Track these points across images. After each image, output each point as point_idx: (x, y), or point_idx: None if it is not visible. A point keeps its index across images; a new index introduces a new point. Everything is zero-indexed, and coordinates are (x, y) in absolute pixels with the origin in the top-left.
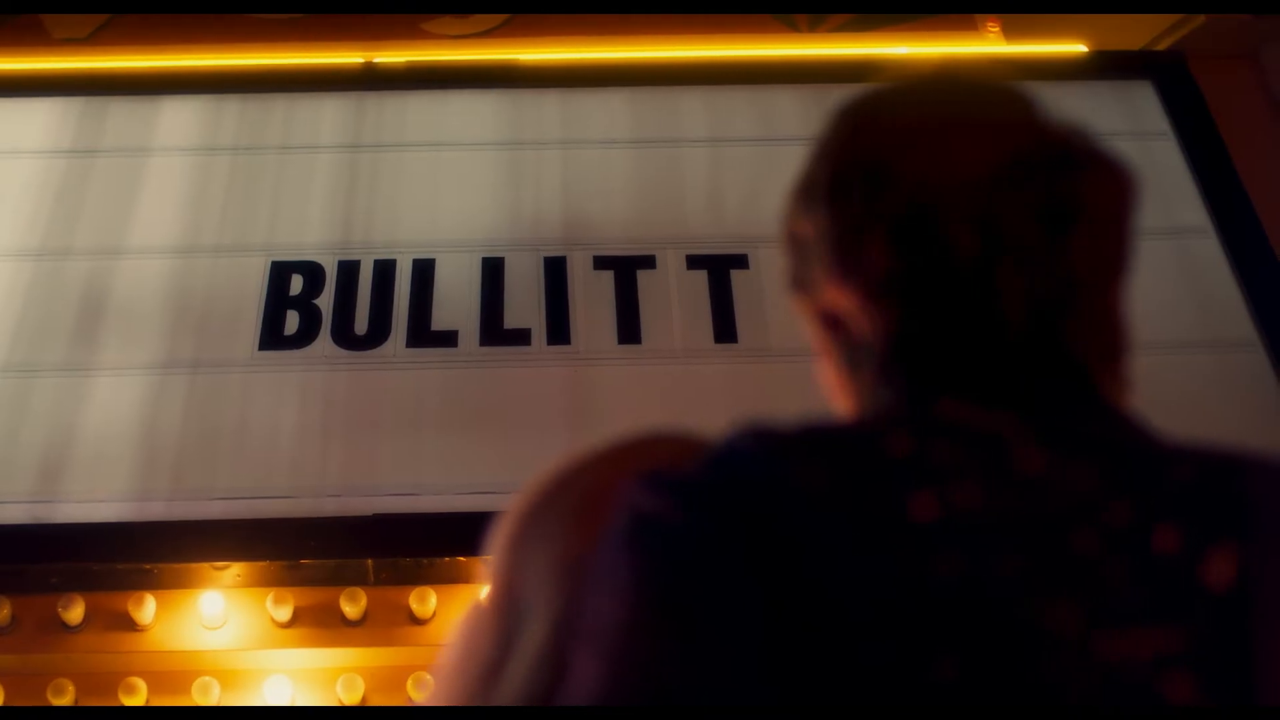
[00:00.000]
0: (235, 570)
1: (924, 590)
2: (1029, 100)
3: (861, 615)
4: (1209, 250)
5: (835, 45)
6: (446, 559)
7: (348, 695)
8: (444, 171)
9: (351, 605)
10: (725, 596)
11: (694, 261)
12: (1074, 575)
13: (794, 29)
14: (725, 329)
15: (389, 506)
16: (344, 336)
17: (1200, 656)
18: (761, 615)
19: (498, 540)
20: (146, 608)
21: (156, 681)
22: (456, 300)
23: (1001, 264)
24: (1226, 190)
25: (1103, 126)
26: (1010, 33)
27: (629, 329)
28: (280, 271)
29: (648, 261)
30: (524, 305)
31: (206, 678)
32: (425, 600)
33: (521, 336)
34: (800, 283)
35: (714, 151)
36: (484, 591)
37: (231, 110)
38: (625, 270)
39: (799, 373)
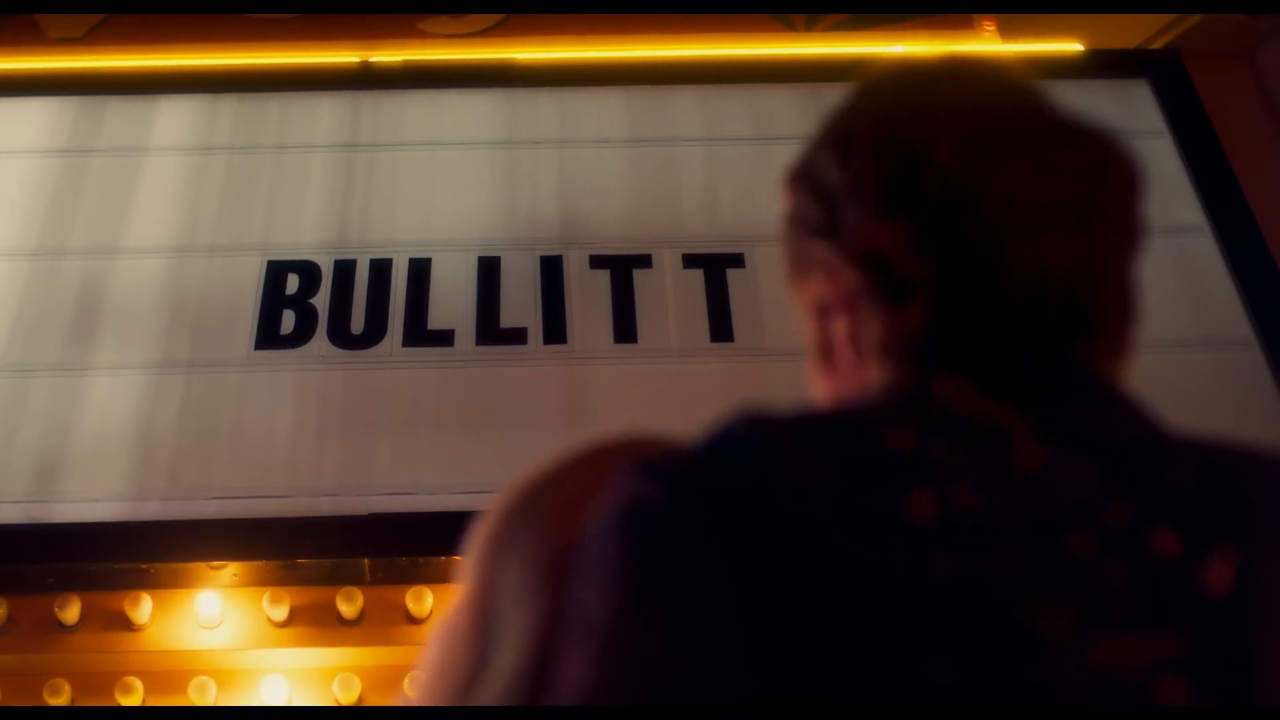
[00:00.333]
0: (231, 570)
1: (918, 590)
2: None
3: (853, 613)
4: (1205, 249)
5: (831, 44)
6: (443, 558)
7: (344, 694)
8: (440, 171)
9: (348, 604)
10: (711, 586)
11: (690, 261)
12: (1071, 578)
13: (790, 28)
14: (721, 328)
15: (385, 506)
16: (340, 336)
17: (1196, 662)
18: (747, 607)
19: (471, 552)
20: (143, 607)
21: (153, 681)
22: (452, 299)
23: (1019, 238)
24: (1222, 189)
25: None
26: (1005, 32)
27: (625, 328)
28: (276, 271)
29: (644, 261)
30: (520, 304)
31: (203, 677)
32: (422, 599)
33: (517, 336)
34: (829, 230)
35: (710, 150)
36: (455, 605)
37: (227, 110)
38: (621, 269)
39: (795, 372)
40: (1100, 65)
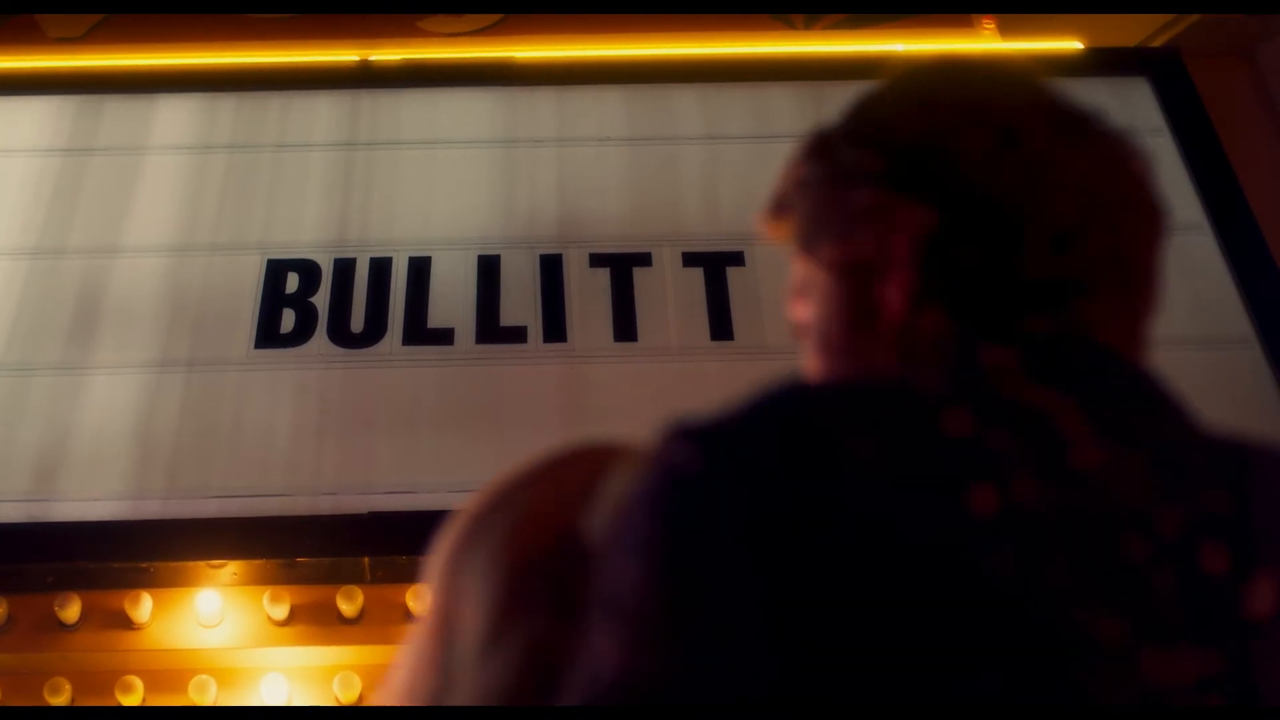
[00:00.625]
0: (231, 569)
1: (973, 585)
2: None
3: (897, 602)
4: (1204, 247)
5: (830, 43)
6: None
7: (344, 693)
8: (439, 169)
9: (348, 603)
10: (740, 562)
11: (690, 259)
12: (1125, 584)
13: (789, 26)
14: (721, 326)
15: (385, 504)
16: (340, 334)
17: (1236, 682)
18: (777, 584)
19: (433, 568)
20: (143, 606)
21: (153, 680)
22: (452, 298)
23: (1048, 222)
24: (1222, 187)
25: None
26: (1005, 30)
27: (625, 326)
28: (276, 270)
29: (644, 259)
30: (520, 303)
31: (203, 676)
32: (422, 598)
33: (517, 334)
34: (879, 176)
35: (710, 149)
36: (418, 623)
37: (227, 109)
38: (621, 268)
39: (796, 370)
40: (1100, 63)
